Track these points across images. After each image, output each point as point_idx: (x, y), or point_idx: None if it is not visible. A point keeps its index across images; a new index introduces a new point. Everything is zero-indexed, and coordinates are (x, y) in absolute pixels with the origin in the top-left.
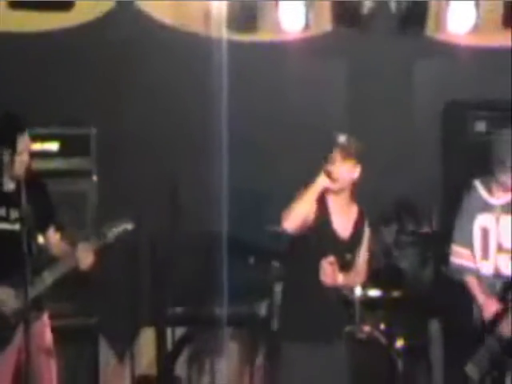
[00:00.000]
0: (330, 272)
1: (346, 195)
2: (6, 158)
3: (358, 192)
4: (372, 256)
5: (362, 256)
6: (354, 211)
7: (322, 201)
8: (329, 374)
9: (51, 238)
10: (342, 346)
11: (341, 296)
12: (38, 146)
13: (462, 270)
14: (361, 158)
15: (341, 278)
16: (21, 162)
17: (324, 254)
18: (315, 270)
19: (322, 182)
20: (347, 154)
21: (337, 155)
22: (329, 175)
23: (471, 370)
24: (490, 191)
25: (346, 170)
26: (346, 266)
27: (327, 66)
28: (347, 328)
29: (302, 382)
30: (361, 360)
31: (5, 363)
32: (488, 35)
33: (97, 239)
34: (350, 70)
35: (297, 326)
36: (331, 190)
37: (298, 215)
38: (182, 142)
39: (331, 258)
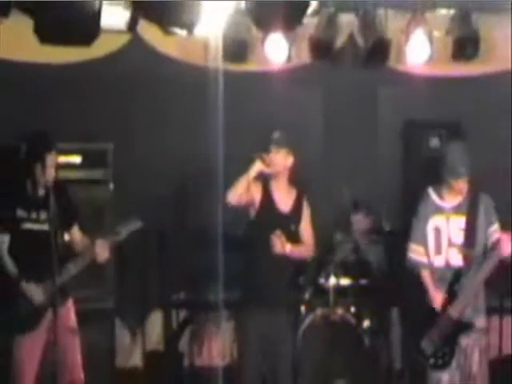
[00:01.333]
0: (278, 243)
1: (284, 179)
2: (38, 171)
3: (334, 196)
4: (339, 247)
5: (306, 230)
6: (293, 193)
7: (266, 185)
8: (279, 332)
9: (74, 236)
10: (291, 308)
11: (291, 267)
12: (64, 159)
13: (418, 264)
14: (292, 149)
15: (289, 248)
16: (49, 174)
17: (272, 227)
18: (267, 243)
19: (257, 166)
20: (280, 145)
21: (272, 147)
22: (263, 161)
23: (425, 345)
24: (441, 196)
25: (278, 158)
26: (291, 237)
27: (306, 92)
28: (323, 311)
29: (258, 340)
30: (334, 337)
31: (35, 341)
32: (440, 66)
33: (112, 236)
34: (325, 95)
35: (253, 293)
36: (267, 173)
37: (238, 190)
38: (185, 155)
39: (278, 232)
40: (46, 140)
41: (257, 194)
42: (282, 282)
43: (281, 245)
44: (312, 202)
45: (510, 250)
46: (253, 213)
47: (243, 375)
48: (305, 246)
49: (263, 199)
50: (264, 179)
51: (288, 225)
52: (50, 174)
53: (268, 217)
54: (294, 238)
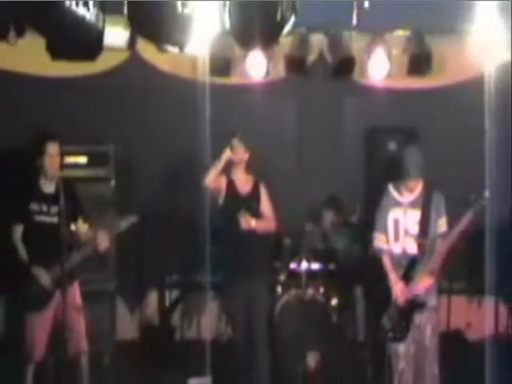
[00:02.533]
0: (244, 220)
1: (242, 169)
2: (45, 161)
3: (305, 191)
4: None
5: (266, 207)
6: (250, 179)
7: (228, 175)
8: (254, 298)
9: (80, 227)
10: (264, 275)
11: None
12: (71, 159)
13: (380, 250)
14: (249, 148)
15: (253, 223)
16: (52, 166)
17: (237, 207)
18: (235, 221)
19: (226, 153)
20: (241, 140)
21: (235, 141)
22: (231, 149)
23: (385, 321)
24: (399, 192)
25: (240, 149)
26: (254, 214)
27: (282, 102)
28: (296, 291)
29: (235, 318)
30: (306, 314)
31: (45, 318)
32: (397, 80)
33: (112, 228)
34: (298, 105)
35: (231, 263)
36: (233, 160)
37: (213, 173)
38: (176, 156)
39: (242, 211)
40: (47, 133)
41: (223, 183)
42: (255, 256)
43: (246, 221)
44: (286, 198)
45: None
46: (221, 200)
47: (228, 350)
48: (267, 221)
49: (228, 186)
50: (227, 171)
51: (250, 204)
52: (54, 165)
53: (232, 199)
54: (257, 215)
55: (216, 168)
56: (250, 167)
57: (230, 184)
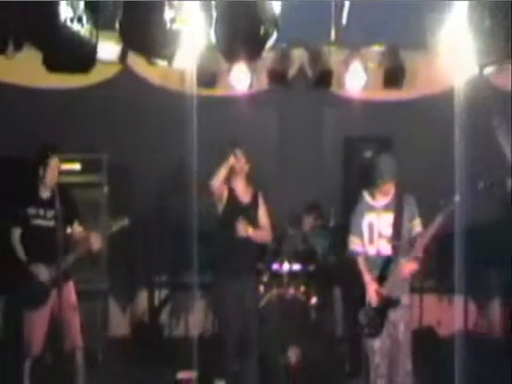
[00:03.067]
0: (241, 227)
1: (242, 178)
2: (44, 173)
3: (286, 197)
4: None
5: (263, 217)
6: (250, 189)
7: (229, 184)
8: (244, 295)
9: (75, 230)
10: (252, 278)
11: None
12: (66, 166)
13: (355, 253)
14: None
15: (251, 231)
16: (53, 176)
17: (236, 215)
18: (233, 229)
19: (231, 159)
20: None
21: (238, 151)
22: (235, 156)
23: (361, 318)
24: (373, 197)
25: (242, 158)
26: (252, 223)
27: (264, 112)
28: (278, 290)
29: (221, 316)
30: (287, 312)
31: (43, 316)
32: (373, 92)
33: (104, 230)
34: (280, 115)
35: (224, 266)
36: (235, 169)
37: (220, 177)
38: (165, 164)
39: (241, 219)
40: (49, 148)
41: (225, 191)
42: (245, 264)
43: (244, 228)
44: (269, 203)
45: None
46: (220, 207)
47: (215, 343)
48: (264, 230)
49: (229, 194)
50: (228, 181)
51: (248, 213)
52: (54, 175)
53: (232, 207)
54: (254, 223)
55: (221, 173)
56: (250, 178)
57: (231, 192)
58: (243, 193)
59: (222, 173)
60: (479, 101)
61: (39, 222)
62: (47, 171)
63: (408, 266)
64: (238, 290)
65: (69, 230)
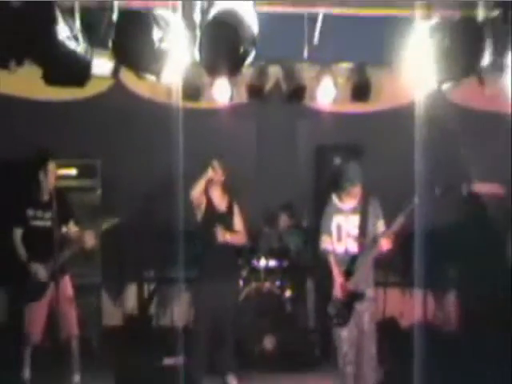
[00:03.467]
0: (220, 233)
1: (219, 188)
2: (42, 177)
3: (263, 200)
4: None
5: (238, 223)
6: (226, 198)
7: (207, 191)
8: (228, 297)
9: (70, 229)
10: (236, 279)
11: (232, 252)
12: (63, 171)
13: (326, 250)
14: (226, 169)
15: (228, 237)
16: (50, 179)
17: (214, 222)
18: (213, 235)
19: (209, 172)
20: (220, 161)
21: (215, 162)
22: (213, 169)
23: (331, 310)
24: (341, 200)
25: (219, 169)
26: (229, 229)
27: (244, 123)
28: (256, 284)
29: (204, 307)
30: (263, 305)
31: (42, 308)
32: (342, 105)
33: (97, 229)
34: (258, 126)
35: (206, 270)
36: (213, 180)
37: (198, 189)
38: (154, 170)
39: (219, 226)
40: (46, 153)
41: (203, 201)
42: (226, 262)
43: (222, 234)
44: (247, 207)
45: (387, 246)
46: (199, 215)
47: (197, 332)
48: (239, 235)
49: (207, 203)
50: (206, 191)
51: (225, 220)
52: (51, 179)
53: (211, 215)
54: (231, 229)
55: (200, 185)
56: (226, 187)
57: (209, 202)
58: (220, 201)
59: (201, 184)
60: (437, 114)
61: (38, 222)
62: (45, 176)
63: (384, 244)
64: (219, 284)
65: (64, 230)
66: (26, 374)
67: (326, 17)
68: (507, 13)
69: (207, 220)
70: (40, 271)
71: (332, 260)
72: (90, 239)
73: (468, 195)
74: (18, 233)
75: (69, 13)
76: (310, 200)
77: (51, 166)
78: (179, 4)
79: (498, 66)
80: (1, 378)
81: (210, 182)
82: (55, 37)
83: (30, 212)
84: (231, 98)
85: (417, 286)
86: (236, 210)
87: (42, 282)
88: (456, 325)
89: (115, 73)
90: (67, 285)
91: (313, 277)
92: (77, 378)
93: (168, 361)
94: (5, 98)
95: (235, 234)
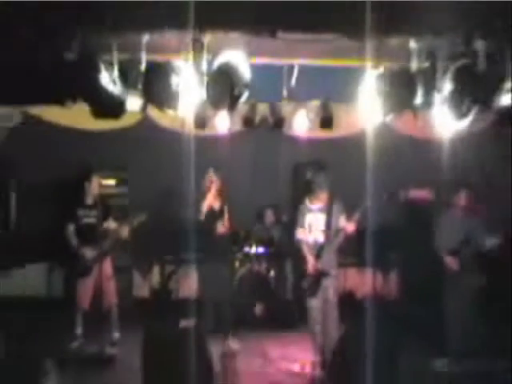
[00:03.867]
0: (219, 227)
1: (214, 194)
2: (87, 186)
3: (254, 202)
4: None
5: (226, 221)
6: (219, 201)
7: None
8: (221, 279)
9: (109, 224)
10: (227, 264)
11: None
12: (105, 182)
13: (300, 240)
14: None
15: (222, 229)
16: (94, 189)
17: (213, 219)
18: (213, 228)
19: (207, 181)
20: (216, 173)
21: (212, 172)
22: (210, 178)
23: (304, 285)
24: (312, 202)
25: (214, 179)
26: (221, 223)
27: (240, 147)
28: (248, 266)
29: (210, 283)
30: (254, 281)
31: (88, 283)
32: (312, 132)
33: (129, 224)
34: (251, 149)
35: (207, 256)
36: (210, 186)
37: (205, 205)
38: (170, 183)
39: (219, 222)
40: (90, 169)
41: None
42: (224, 249)
43: (221, 228)
44: (242, 206)
45: (351, 229)
46: (202, 215)
47: (205, 301)
48: (226, 227)
49: (208, 207)
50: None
51: (220, 217)
52: (94, 188)
53: (210, 215)
54: (223, 224)
55: (207, 201)
56: (221, 192)
57: (209, 205)
58: (215, 204)
59: (208, 200)
60: (382, 138)
61: (85, 220)
62: (90, 185)
63: (349, 228)
64: (219, 265)
65: (106, 225)
66: (79, 331)
67: (300, 67)
68: (434, 64)
69: (207, 219)
70: (87, 255)
71: (305, 247)
72: (124, 232)
73: (405, 199)
74: (71, 227)
75: (109, 64)
76: (289, 202)
77: (94, 178)
78: (191, 57)
79: (427, 104)
80: (60, 335)
81: (208, 189)
82: (99, 82)
83: (80, 212)
84: (230, 126)
85: (368, 267)
86: (226, 211)
87: (89, 263)
88: (397, 296)
89: (143, 108)
90: (108, 266)
91: (291, 260)
92: (116, 335)
93: (183, 323)
94: (62, 128)
95: (224, 227)
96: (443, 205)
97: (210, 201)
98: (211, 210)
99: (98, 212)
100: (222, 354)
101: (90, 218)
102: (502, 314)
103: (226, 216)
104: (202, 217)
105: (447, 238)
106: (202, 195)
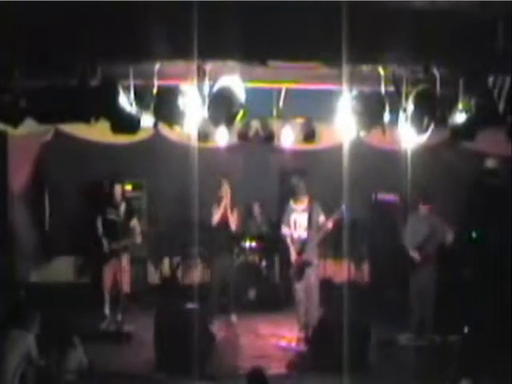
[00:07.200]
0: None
1: (226, 202)
2: (113, 192)
3: (247, 202)
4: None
5: (235, 222)
6: (230, 207)
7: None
8: (228, 268)
9: (133, 223)
10: (233, 257)
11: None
12: (126, 188)
13: (285, 235)
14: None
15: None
16: (118, 193)
17: (225, 223)
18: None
19: (225, 196)
20: (227, 182)
21: (224, 181)
22: (221, 187)
23: (290, 272)
24: (295, 204)
25: (226, 188)
26: (232, 224)
27: (236, 157)
28: (243, 258)
29: (219, 271)
30: (249, 270)
31: (111, 269)
32: (297, 145)
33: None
34: (245, 158)
35: (217, 250)
36: (222, 195)
37: (217, 215)
38: (179, 188)
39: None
40: (114, 176)
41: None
42: (226, 242)
43: (232, 227)
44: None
45: (330, 226)
46: (215, 218)
47: (211, 288)
48: (237, 227)
49: (221, 214)
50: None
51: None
52: (118, 192)
53: (223, 219)
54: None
55: (219, 212)
56: (232, 200)
57: (222, 213)
58: (227, 210)
59: (220, 211)
60: (357, 150)
61: (111, 216)
62: (113, 190)
63: (328, 225)
64: (219, 257)
65: (131, 224)
66: (107, 310)
67: (287, 90)
68: (399, 88)
69: (220, 223)
70: (111, 245)
71: (289, 242)
72: (138, 238)
73: (375, 201)
74: (99, 221)
75: (126, 88)
76: (277, 203)
77: (117, 184)
78: (195, 82)
79: (394, 121)
80: (91, 313)
81: (221, 198)
82: (118, 103)
83: (107, 209)
84: (228, 140)
85: (344, 257)
86: (235, 214)
87: (108, 254)
88: (368, 282)
89: (155, 125)
90: (126, 260)
91: (279, 253)
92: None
93: (189, 305)
94: (88, 142)
95: (235, 226)
96: (409, 206)
97: (224, 209)
98: (224, 216)
99: (121, 212)
100: (224, 324)
101: (114, 215)
102: (454, 297)
103: (236, 219)
104: (215, 222)
105: (413, 234)
106: (217, 201)
